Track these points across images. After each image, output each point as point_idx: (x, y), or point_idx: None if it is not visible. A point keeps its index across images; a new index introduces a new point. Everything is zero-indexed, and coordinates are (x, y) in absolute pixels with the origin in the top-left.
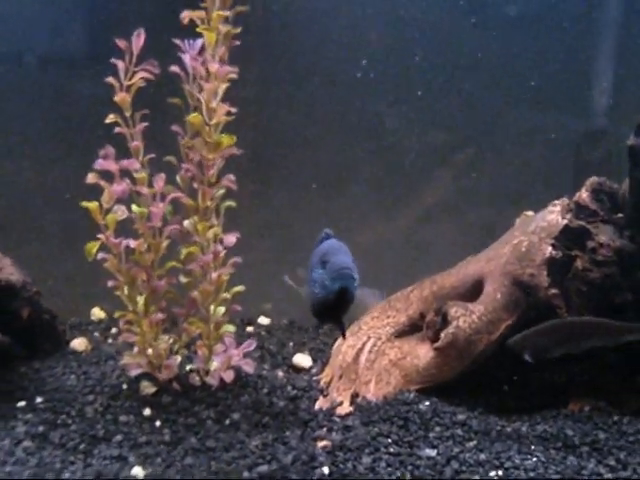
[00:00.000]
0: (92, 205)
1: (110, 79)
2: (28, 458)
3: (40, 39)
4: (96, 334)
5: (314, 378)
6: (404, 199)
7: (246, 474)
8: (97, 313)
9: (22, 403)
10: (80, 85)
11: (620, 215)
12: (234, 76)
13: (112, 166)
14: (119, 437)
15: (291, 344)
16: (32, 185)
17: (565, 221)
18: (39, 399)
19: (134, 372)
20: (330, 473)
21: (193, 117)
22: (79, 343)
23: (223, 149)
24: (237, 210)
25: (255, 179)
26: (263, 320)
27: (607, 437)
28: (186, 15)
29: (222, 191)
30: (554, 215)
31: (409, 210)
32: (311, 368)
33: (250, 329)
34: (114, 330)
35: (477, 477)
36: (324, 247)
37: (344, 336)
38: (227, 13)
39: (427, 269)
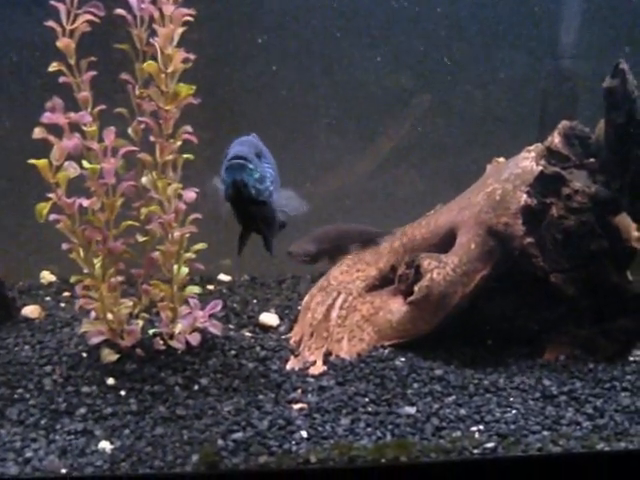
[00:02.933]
0: (41, 162)
1: (51, 23)
2: None
3: None
4: (48, 299)
5: (283, 337)
6: (365, 145)
7: (221, 442)
8: (47, 276)
9: None
10: (18, 29)
11: (592, 160)
12: (190, 19)
13: (61, 119)
14: (82, 410)
15: (255, 301)
16: None
17: (540, 168)
18: None
19: (95, 340)
20: (309, 437)
21: (148, 65)
22: (31, 310)
23: (181, 100)
24: (191, 161)
25: (208, 127)
26: (223, 277)
27: (583, 385)
28: None
29: (179, 143)
30: (528, 162)
31: (370, 157)
32: (279, 326)
33: (211, 287)
34: (66, 293)
35: (459, 433)
36: (234, 142)
37: (268, 248)
38: None
39: (390, 217)
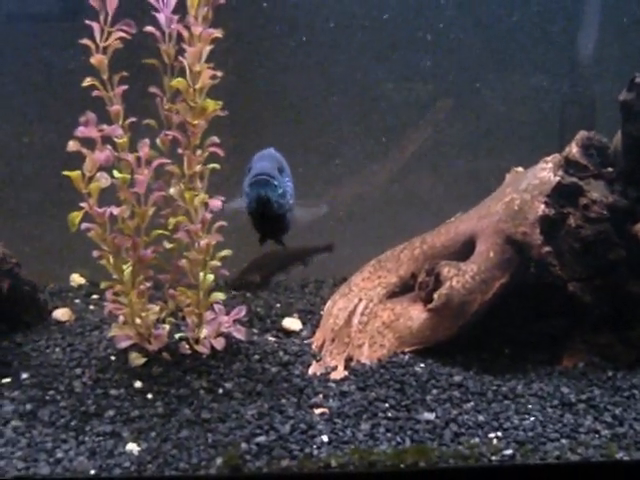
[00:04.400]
0: (74, 174)
1: (85, 40)
2: (18, 438)
3: None
4: (77, 301)
5: (305, 342)
6: (386, 151)
7: (244, 445)
8: (76, 279)
9: (7, 380)
10: (53, 45)
11: (610, 170)
12: (218, 36)
13: (94, 133)
14: (111, 412)
15: (278, 306)
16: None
17: (557, 178)
18: (25, 375)
19: (123, 344)
20: (330, 441)
21: (177, 82)
22: (62, 313)
23: (208, 114)
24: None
25: (232, 134)
26: None
27: (602, 393)
28: None
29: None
30: (546, 172)
31: (391, 163)
32: (301, 331)
33: (235, 292)
34: (95, 296)
35: (477, 439)
36: (256, 155)
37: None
38: None
39: (410, 223)
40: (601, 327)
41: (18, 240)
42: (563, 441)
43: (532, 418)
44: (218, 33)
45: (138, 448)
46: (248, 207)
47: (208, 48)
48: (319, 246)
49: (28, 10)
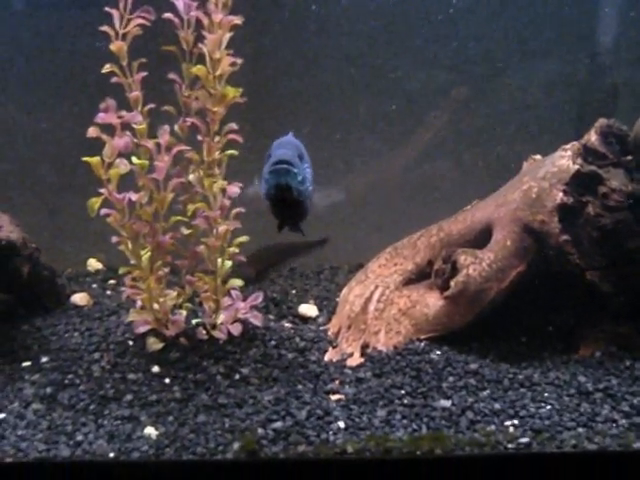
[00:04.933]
0: (94, 160)
1: (105, 27)
2: (39, 421)
3: None
4: (94, 286)
5: (321, 328)
6: (403, 138)
7: (261, 431)
8: (93, 264)
9: (27, 363)
10: (73, 31)
11: (630, 158)
12: (238, 22)
13: (113, 119)
14: (129, 396)
15: (294, 292)
16: (24, 135)
17: (576, 166)
18: (44, 359)
19: (141, 329)
20: (346, 427)
21: (197, 69)
22: (80, 298)
23: (228, 101)
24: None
25: (249, 119)
26: None
27: (619, 382)
28: None
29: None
30: (565, 160)
31: (408, 148)
32: (317, 317)
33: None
34: (112, 281)
35: (493, 427)
36: (275, 142)
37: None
38: None
39: (426, 210)
40: (619, 316)
41: (36, 225)
42: (580, 430)
43: (548, 406)
44: (238, 20)
45: (156, 432)
46: (267, 194)
47: (228, 35)
48: (313, 241)
49: None
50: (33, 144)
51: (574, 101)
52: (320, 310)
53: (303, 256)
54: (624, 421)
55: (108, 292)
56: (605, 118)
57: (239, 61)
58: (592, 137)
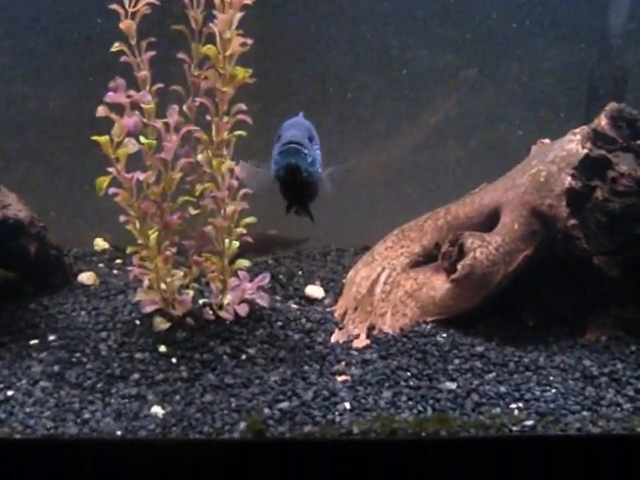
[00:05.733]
0: (102, 139)
1: (114, 6)
2: (47, 398)
3: None
4: (101, 265)
5: (328, 310)
6: (410, 121)
7: (267, 411)
8: (100, 243)
9: (35, 341)
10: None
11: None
12: (249, 2)
13: (123, 99)
14: (136, 375)
15: (300, 273)
16: (32, 113)
17: (585, 150)
18: (52, 337)
19: (148, 309)
20: (352, 408)
21: (207, 48)
22: (87, 277)
23: (238, 81)
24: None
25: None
26: None
27: (625, 367)
28: None
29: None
30: (574, 144)
31: (416, 131)
32: (324, 299)
33: (258, 258)
34: (119, 261)
35: (498, 409)
36: (285, 123)
37: (310, 218)
38: None
39: (433, 192)
40: (626, 301)
41: (43, 203)
42: (584, 413)
43: (554, 390)
44: (248, 0)
45: (163, 411)
46: (277, 175)
47: (239, 15)
48: (294, 239)
49: None
50: (42, 122)
51: (584, 84)
52: (326, 291)
53: (280, 253)
54: (628, 405)
55: (115, 271)
56: (615, 102)
57: (249, 41)
58: (602, 121)
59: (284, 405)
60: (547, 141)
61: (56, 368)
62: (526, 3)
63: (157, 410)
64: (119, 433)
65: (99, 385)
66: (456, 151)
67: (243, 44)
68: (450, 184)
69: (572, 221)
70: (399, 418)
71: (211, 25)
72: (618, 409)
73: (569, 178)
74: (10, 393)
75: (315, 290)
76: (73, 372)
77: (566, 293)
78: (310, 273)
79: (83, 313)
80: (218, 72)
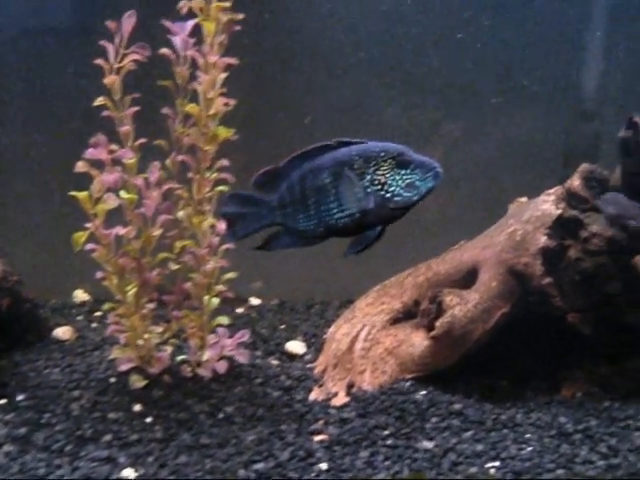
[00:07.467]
0: (82, 194)
1: (99, 61)
2: (10, 464)
3: (23, 9)
4: (80, 318)
5: (308, 366)
6: None
7: (242, 472)
8: (79, 295)
9: (2, 401)
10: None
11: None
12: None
13: (103, 155)
14: (108, 436)
15: (282, 327)
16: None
17: (559, 211)
18: (20, 396)
19: (124, 367)
20: (328, 469)
21: (191, 107)
22: (63, 332)
23: (220, 140)
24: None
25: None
26: (253, 301)
27: (598, 424)
28: (184, 5)
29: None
30: (548, 204)
31: None
32: (305, 355)
33: (240, 311)
34: (98, 313)
35: (475, 469)
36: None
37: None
38: (227, 4)
39: (417, 244)
40: (599, 358)
41: (23, 254)
42: (559, 471)
43: (530, 448)
44: (233, 61)
45: (135, 474)
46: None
47: (222, 75)
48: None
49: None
50: (19, 172)
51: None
52: (308, 347)
53: None
54: (602, 462)
55: (94, 325)
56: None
57: (232, 102)
58: (575, 182)
59: (260, 466)
60: (524, 199)
61: (22, 430)
62: (503, 59)
63: (129, 473)
64: None
65: (68, 448)
66: (438, 207)
67: (226, 104)
68: (431, 238)
69: (547, 279)
70: (375, 479)
71: (195, 84)
72: (591, 466)
73: (544, 237)
74: None
75: (296, 346)
76: (41, 434)
77: (542, 350)
78: (293, 327)
79: (56, 370)
80: (201, 131)
